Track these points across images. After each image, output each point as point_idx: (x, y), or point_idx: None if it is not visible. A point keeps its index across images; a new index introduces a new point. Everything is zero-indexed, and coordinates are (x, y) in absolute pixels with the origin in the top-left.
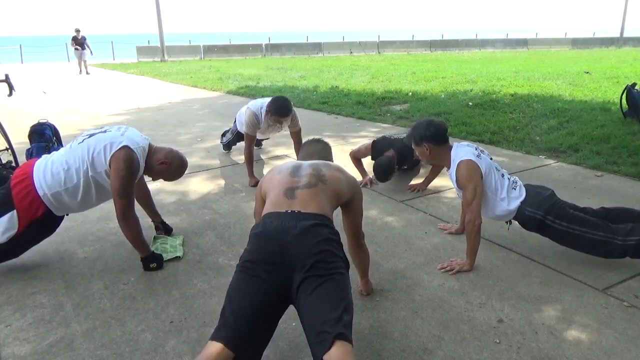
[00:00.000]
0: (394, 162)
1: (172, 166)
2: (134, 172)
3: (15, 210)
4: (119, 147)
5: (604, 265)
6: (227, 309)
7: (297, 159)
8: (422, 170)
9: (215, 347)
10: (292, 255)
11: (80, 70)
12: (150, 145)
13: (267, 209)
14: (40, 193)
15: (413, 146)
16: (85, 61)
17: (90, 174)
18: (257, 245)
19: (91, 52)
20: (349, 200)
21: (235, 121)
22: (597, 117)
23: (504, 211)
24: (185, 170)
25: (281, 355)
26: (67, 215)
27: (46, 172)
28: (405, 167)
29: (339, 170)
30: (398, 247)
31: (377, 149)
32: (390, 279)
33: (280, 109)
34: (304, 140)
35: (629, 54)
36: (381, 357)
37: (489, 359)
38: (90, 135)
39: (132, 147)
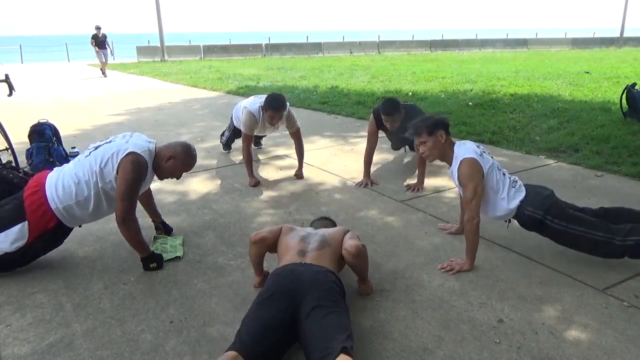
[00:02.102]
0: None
1: (178, 157)
2: (141, 176)
3: (26, 222)
4: (125, 154)
5: (604, 265)
6: (242, 329)
7: (310, 226)
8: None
9: (230, 354)
10: (304, 285)
11: (105, 73)
12: (156, 148)
13: (284, 262)
14: (53, 206)
15: (423, 138)
16: (106, 62)
17: (100, 185)
18: (274, 281)
19: (112, 52)
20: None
21: (232, 117)
22: (597, 117)
23: (504, 210)
24: (195, 155)
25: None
26: (80, 227)
27: (58, 185)
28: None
29: (334, 228)
30: (398, 247)
31: (376, 110)
32: (390, 279)
33: (275, 101)
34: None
35: (629, 54)
36: (381, 357)
37: (489, 359)
38: (97, 147)
39: (138, 151)
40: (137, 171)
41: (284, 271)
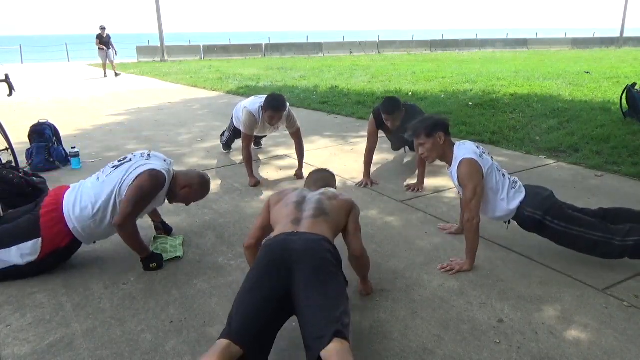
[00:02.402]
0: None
1: (193, 187)
2: (156, 189)
3: (40, 238)
4: (146, 169)
5: (604, 265)
6: (234, 309)
7: (304, 186)
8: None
9: (222, 342)
10: (297, 254)
11: (105, 73)
12: (174, 171)
13: (276, 232)
14: (70, 226)
15: (421, 139)
16: (112, 62)
17: (118, 201)
18: (265, 253)
19: (115, 52)
20: (347, 222)
21: (232, 117)
22: (597, 117)
23: (503, 211)
24: (209, 188)
25: (282, 354)
26: (95, 242)
27: (75, 205)
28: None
29: (335, 197)
30: (398, 247)
31: (376, 110)
32: (390, 279)
33: (274, 102)
34: (311, 170)
35: (629, 54)
36: (381, 357)
37: (489, 359)
38: (116, 167)
39: (159, 169)
40: (153, 183)
41: (274, 242)
